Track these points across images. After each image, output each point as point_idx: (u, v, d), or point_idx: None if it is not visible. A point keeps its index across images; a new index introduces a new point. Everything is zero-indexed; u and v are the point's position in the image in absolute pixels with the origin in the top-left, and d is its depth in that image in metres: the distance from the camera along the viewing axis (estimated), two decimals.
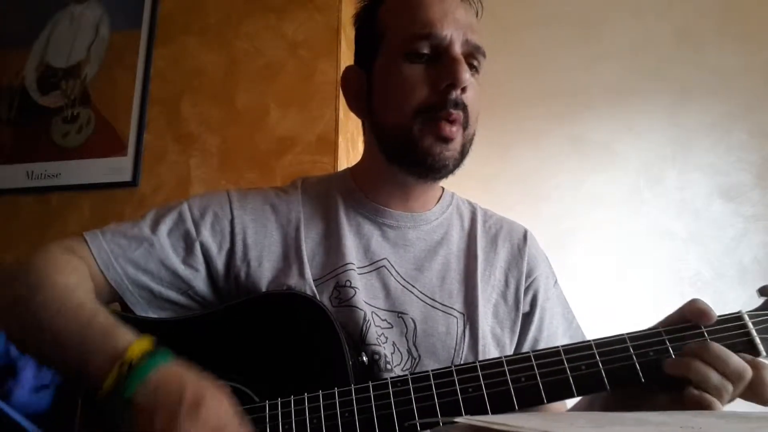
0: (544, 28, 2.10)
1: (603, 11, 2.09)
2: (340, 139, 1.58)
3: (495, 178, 1.98)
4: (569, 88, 2.03)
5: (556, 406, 0.77)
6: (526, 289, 0.81)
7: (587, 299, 1.74)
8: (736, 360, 0.55)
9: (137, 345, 0.57)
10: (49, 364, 0.67)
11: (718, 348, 0.56)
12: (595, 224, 1.92)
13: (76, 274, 0.68)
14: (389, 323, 0.74)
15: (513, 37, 2.08)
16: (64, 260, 0.69)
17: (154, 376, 0.54)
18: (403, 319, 0.74)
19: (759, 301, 0.63)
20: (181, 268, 0.75)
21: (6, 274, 0.72)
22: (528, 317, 0.80)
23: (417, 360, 0.72)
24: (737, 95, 1.91)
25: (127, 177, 1.63)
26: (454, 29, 0.72)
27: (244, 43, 1.71)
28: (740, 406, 0.56)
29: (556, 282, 0.87)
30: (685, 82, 1.96)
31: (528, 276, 0.82)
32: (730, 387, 0.54)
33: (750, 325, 0.58)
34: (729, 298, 1.76)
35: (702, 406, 0.54)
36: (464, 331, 0.74)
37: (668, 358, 0.57)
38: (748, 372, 0.54)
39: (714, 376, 0.54)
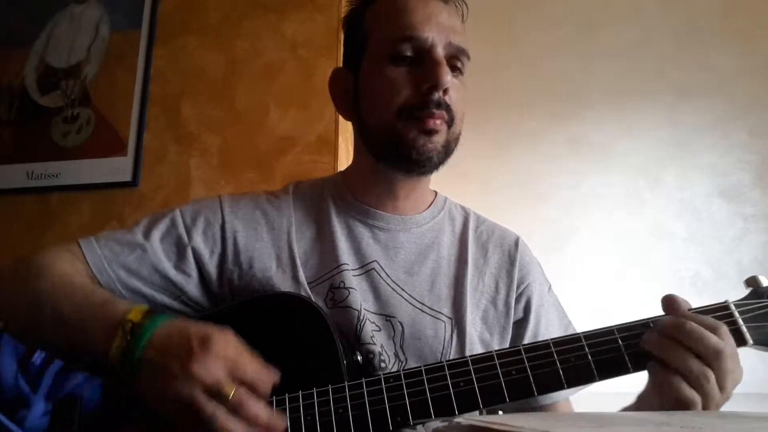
0: (543, 28, 2.10)
1: (603, 12, 2.09)
2: (340, 139, 1.58)
3: (494, 179, 1.98)
4: (568, 88, 2.04)
5: (563, 407, 0.79)
6: (519, 296, 0.82)
7: (587, 299, 1.74)
8: (709, 334, 0.56)
9: (137, 309, 0.61)
10: (53, 347, 0.71)
11: (692, 324, 0.57)
12: (594, 224, 1.92)
13: (75, 265, 0.72)
14: (377, 326, 0.74)
15: (512, 37, 2.08)
16: (63, 252, 0.74)
17: (158, 332, 0.58)
18: (391, 322, 0.75)
19: None
20: (173, 273, 0.76)
21: (6, 270, 0.75)
22: (522, 323, 0.81)
23: (404, 363, 0.73)
24: (737, 95, 1.91)
25: (127, 177, 1.62)
26: (437, 32, 0.74)
27: (244, 43, 1.71)
28: (740, 406, 0.56)
29: (550, 288, 0.87)
30: (685, 82, 1.96)
31: (520, 283, 0.82)
32: (706, 369, 0.55)
33: (736, 314, 0.60)
34: (729, 299, 1.75)
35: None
36: (452, 336, 0.75)
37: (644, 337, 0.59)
38: (721, 344, 0.56)
39: (693, 360, 0.56)
